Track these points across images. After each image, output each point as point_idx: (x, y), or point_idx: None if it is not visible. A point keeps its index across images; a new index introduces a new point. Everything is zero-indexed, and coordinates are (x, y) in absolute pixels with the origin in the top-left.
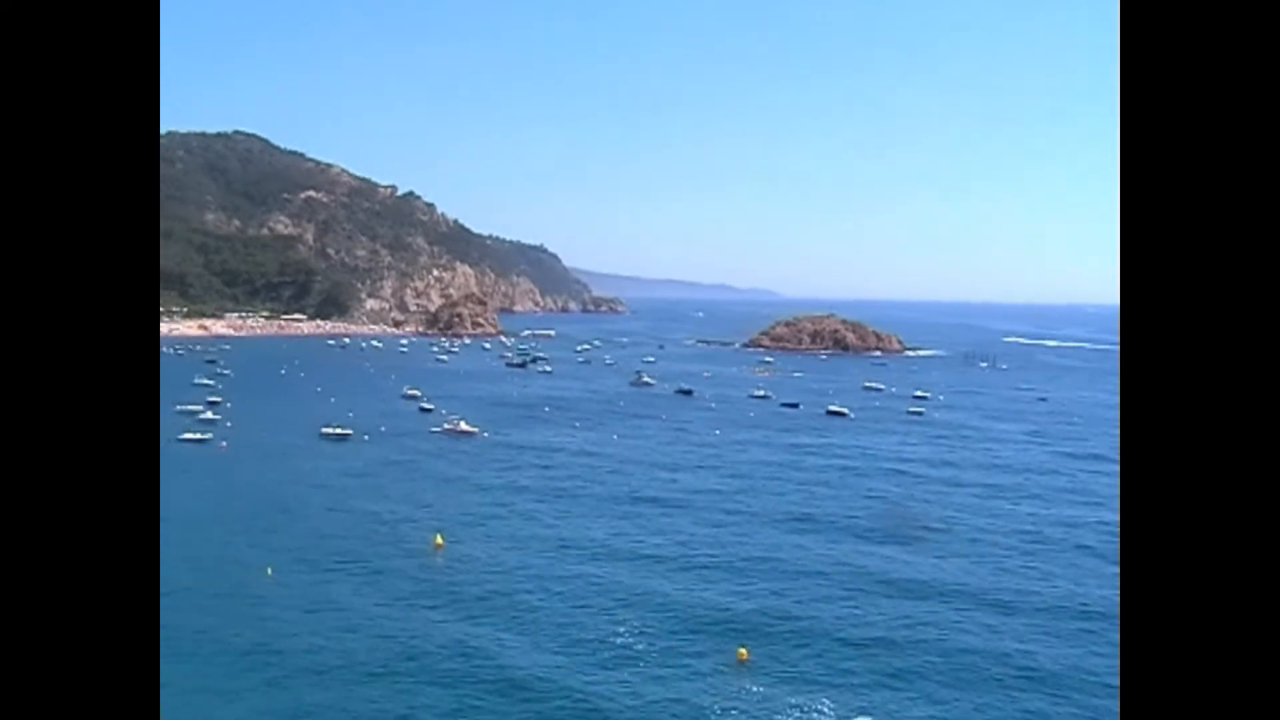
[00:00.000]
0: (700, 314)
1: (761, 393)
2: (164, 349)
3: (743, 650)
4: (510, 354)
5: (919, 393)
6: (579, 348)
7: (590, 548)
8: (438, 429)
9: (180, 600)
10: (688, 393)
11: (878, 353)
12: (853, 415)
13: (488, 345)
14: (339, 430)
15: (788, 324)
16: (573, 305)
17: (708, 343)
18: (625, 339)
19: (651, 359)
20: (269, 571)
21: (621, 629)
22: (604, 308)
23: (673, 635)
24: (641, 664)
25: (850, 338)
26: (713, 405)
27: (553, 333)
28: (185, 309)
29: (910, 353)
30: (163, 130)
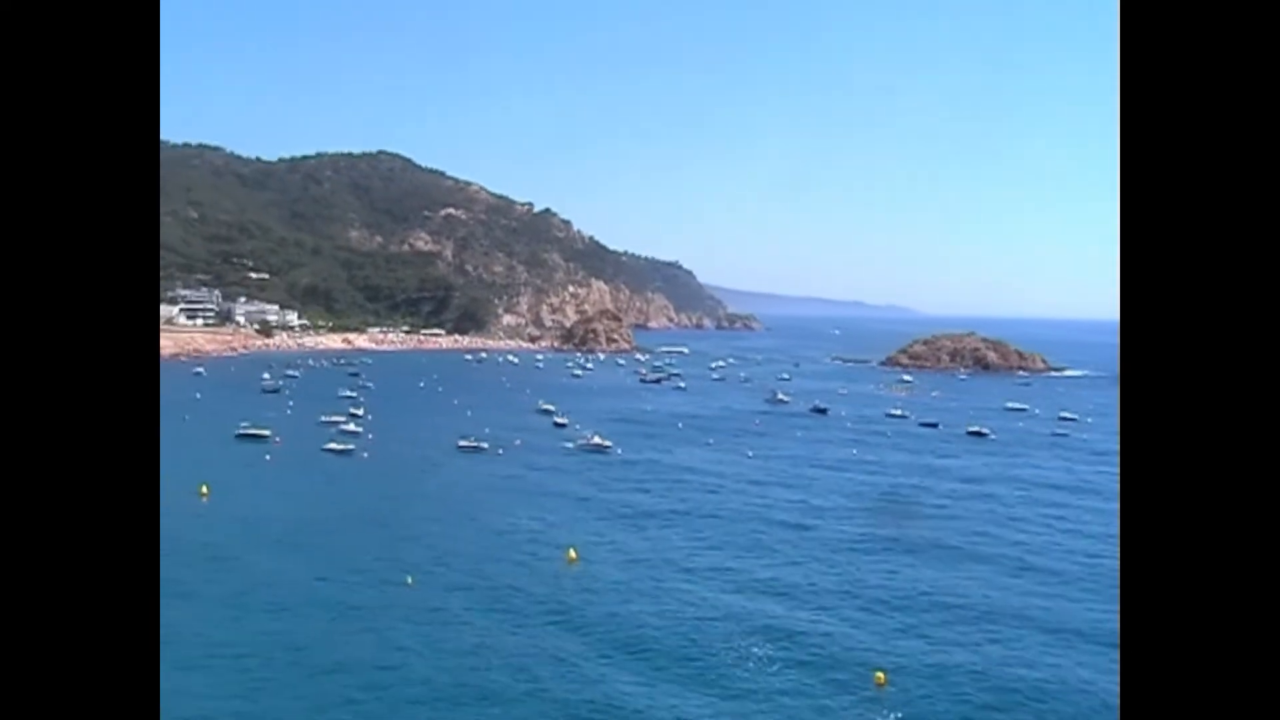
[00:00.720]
0: (836, 331)
1: (899, 412)
2: (310, 362)
3: (880, 674)
4: (644, 370)
5: (1065, 414)
6: (713, 364)
7: (720, 567)
8: (571, 444)
9: (321, 607)
10: (823, 411)
11: (1021, 372)
12: (994, 436)
13: (622, 361)
14: (475, 444)
15: (926, 342)
16: (707, 322)
17: (844, 360)
18: (760, 356)
19: (786, 376)
20: (409, 580)
21: (755, 651)
22: (738, 324)
23: (804, 663)
24: (772, 691)
25: (991, 356)
26: (848, 424)
27: (687, 349)
28: (330, 323)
29: (1056, 373)
30: (311, 152)
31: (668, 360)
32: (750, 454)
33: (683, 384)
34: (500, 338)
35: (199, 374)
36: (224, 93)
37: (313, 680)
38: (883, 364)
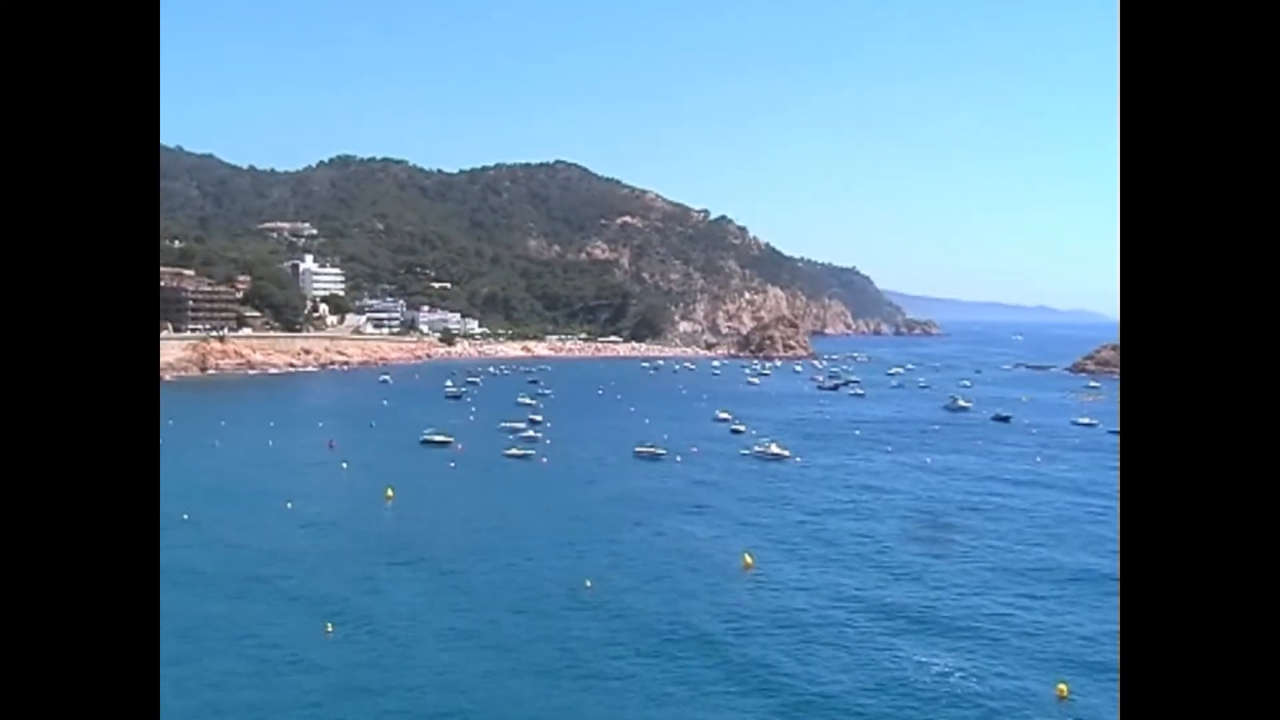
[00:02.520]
0: (1019, 337)
1: (1086, 420)
2: (491, 369)
3: (1063, 686)
4: (822, 377)
5: None
6: (891, 371)
7: (899, 576)
8: (748, 451)
9: (503, 609)
10: (1005, 419)
11: None
12: None
13: (799, 368)
14: (652, 450)
15: (1115, 348)
16: (885, 328)
17: (1027, 367)
18: (939, 362)
19: (967, 383)
20: (588, 584)
21: (938, 661)
22: (917, 330)
23: (984, 672)
24: (953, 699)
25: None
26: (1032, 431)
27: (864, 356)
28: (510, 331)
29: None
30: (491, 163)
31: (845, 367)
32: (929, 460)
33: (860, 390)
34: (676, 345)
35: (385, 381)
36: (407, 108)
37: (504, 678)
38: (1069, 370)
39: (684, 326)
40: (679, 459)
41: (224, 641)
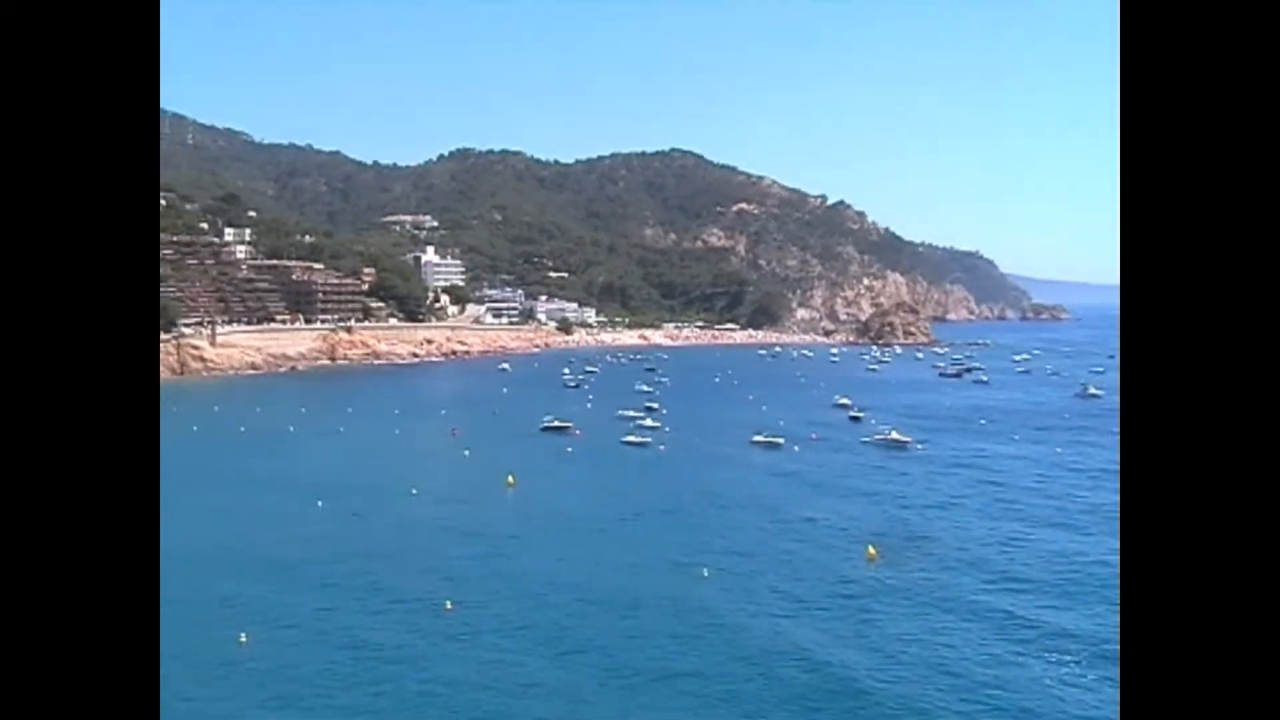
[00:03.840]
0: None
1: None
2: (608, 358)
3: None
4: (944, 363)
5: None
6: (1017, 357)
7: (1027, 569)
8: (868, 439)
9: (618, 593)
10: None
11: None
12: None
13: (920, 355)
14: (770, 438)
15: None
16: (1010, 313)
17: None
18: (1068, 348)
19: (1100, 369)
20: (704, 573)
21: (1069, 661)
22: (1044, 315)
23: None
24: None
25: None
26: None
27: (989, 342)
28: (626, 320)
29: None
30: (606, 152)
31: (968, 353)
32: (1059, 449)
33: (985, 378)
34: (794, 332)
35: (505, 370)
36: (524, 101)
37: (613, 675)
38: None
39: (801, 313)
40: (797, 447)
41: (359, 611)
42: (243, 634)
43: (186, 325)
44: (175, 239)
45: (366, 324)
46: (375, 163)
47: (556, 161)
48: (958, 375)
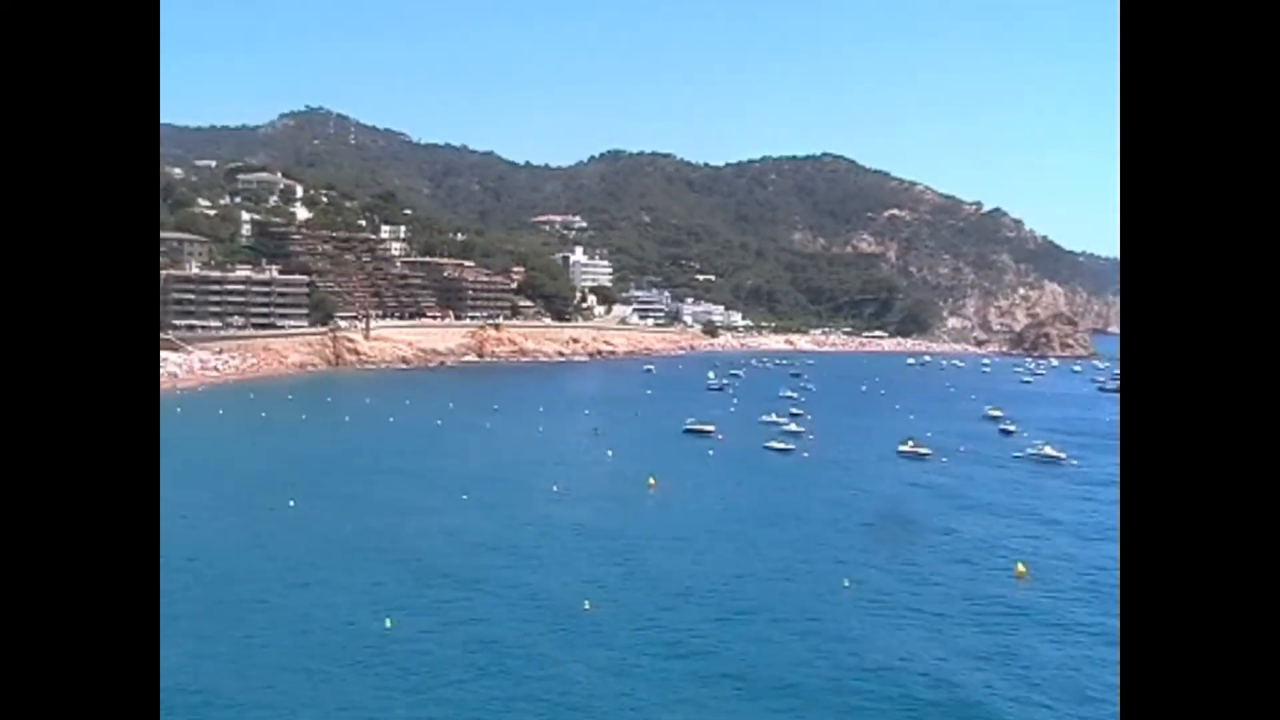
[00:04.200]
0: None
1: None
2: (753, 362)
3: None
4: (1104, 378)
5: None
6: None
7: None
8: (1020, 453)
9: (749, 600)
10: None
11: None
12: None
13: (1078, 368)
14: (917, 448)
15: None
16: None
17: None
18: None
19: None
20: (846, 583)
21: None
22: None
23: None
24: None
25: None
26: None
27: None
28: (773, 324)
29: None
30: (757, 156)
31: None
32: None
33: None
34: (944, 341)
35: (649, 371)
36: (675, 104)
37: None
38: None
39: (953, 322)
40: (945, 459)
41: (498, 604)
42: (389, 619)
43: (343, 319)
44: (335, 235)
45: (514, 322)
46: (527, 163)
47: (706, 164)
48: (1118, 390)
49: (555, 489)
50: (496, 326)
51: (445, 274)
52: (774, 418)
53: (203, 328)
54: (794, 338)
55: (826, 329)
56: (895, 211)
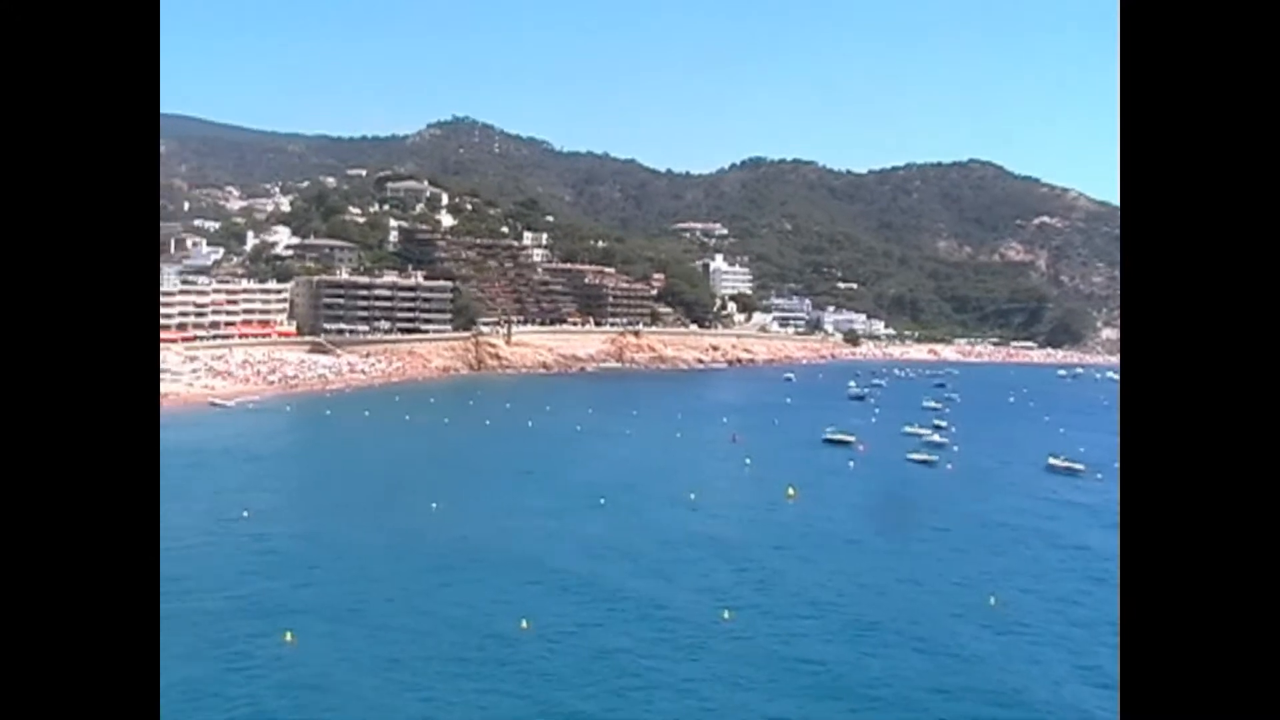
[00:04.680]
0: None
1: None
2: (896, 371)
3: None
4: None
5: None
6: None
7: None
8: None
9: (896, 616)
10: None
11: None
12: None
13: None
14: (1068, 464)
15: None
16: None
17: None
18: None
19: None
20: (992, 601)
21: None
22: None
23: None
24: None
25: None
26: None
27: None
28: (916, 333)
29: None
30: (901, 163)
31: None
32: None
33: None
34: (1098, 353)
35: (789, 380)
36: (817, 111)
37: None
38: None
39: (1107, 333)
40: (1099, 475)
41: (630, 613)
42: (524, 620)
43: (485, 324)
44: (478, 242)
45: (654, 328)
46: (668, 171)
47: (849, 171)
48: None
49: (692, 496)
50: (636, 333)
51: (586, 280)
52: (917, 429)
53: (350, 331)
54: (938, 347)
55: (972, 339)
56: (1045, 219)
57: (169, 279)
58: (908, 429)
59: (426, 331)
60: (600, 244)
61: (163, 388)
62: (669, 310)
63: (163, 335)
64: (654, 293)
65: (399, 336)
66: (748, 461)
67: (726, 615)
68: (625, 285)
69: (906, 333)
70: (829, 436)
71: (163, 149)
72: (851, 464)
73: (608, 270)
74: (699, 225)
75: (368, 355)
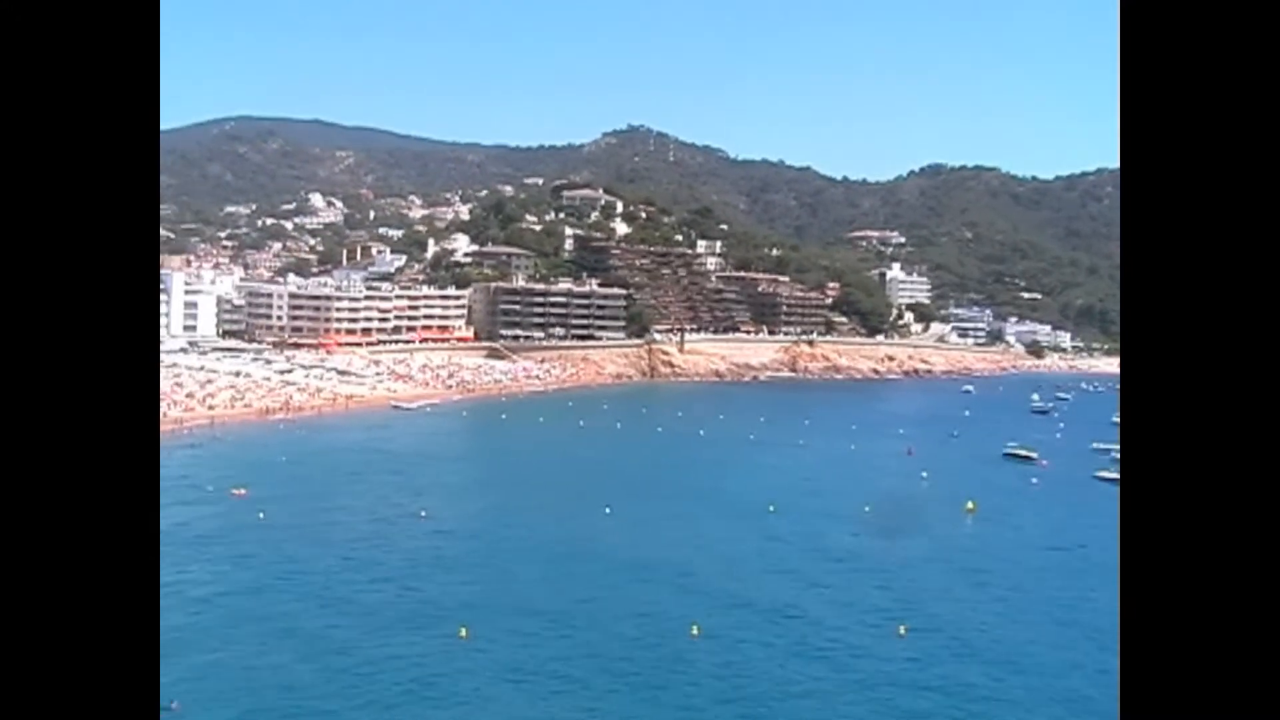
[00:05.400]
0: None
1: None
2: (1083, 385)
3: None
4: None
5: None
6: None
7: None
8: None
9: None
10: None
11: None
12: None
13: None
14: None
15: None
16: None
17: None
18: None
19: None
20: None
21: None
22: None
23: None
24: None
25: None
26: None
27: None
28: (1106, 345)
29: None
30: (1091, 168)
31: None
32: None
33: None
34: None
35: (968, 392)
36: (1001, 115)
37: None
38: None
39: None
40: None
41: (801, 625)
42: (695, 625)
43: (658, 331)
44: (652, 250)
45: (828, 338)
46: (844, 178)
47: (1034, 178)
48: None
49: (866, 509)
50: (810, 342)
51: (760, 289)
52: (1107, 445)
53: (526, 337)
54: None
55: None
56: None
57: (355, 285)
58: (1097, 445)
59: (600, 338)
60: (774, 252)
61: (348, 390)
62: (844, 320)
63: (348, 339)
64: (829, 302)
65: (573, 343)
66: (924, 475)
67: (903, 630)
68: (799, 294)
69: (1094, 345)
70: (1010, 451)
71: (350, 160)
72: (1035, 481)
73: (782, 279)
74: (875, 233)
75: (542, 361)
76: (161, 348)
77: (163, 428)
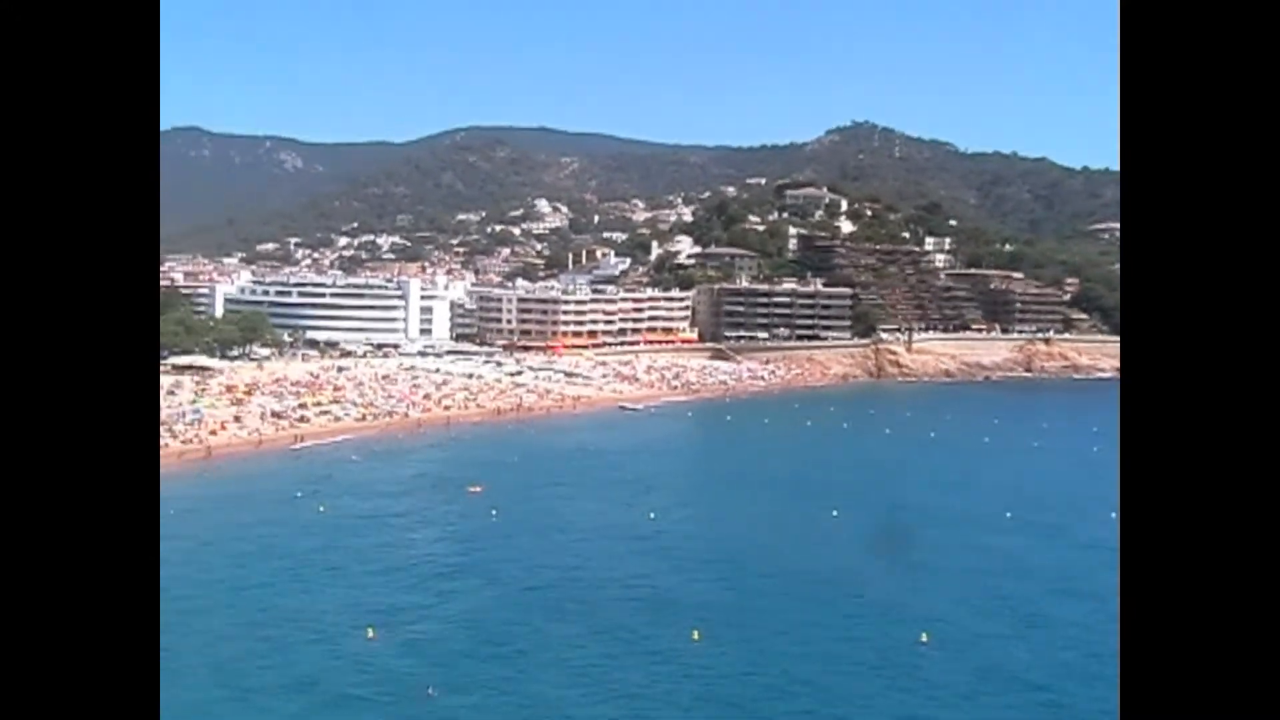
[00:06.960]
0: None
1: None
2: None
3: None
4: None
5: None
6: None
7: None
8: None
9: None
10: None
11: None
12: None
13: None
14: None
15: None
16: None
17: None
18: None
19: None
20: None
21: None
22: None
23: None
24: None
25: None
26: None
27: None
28: None
29: None
30: None
31: None
32: None
33: None
34: None
35: None
36: None
37: None
38: None
39: None
40: None
41: (1046, 636)
42: (924, 633)
43: (885, 331)
44: (878, 248)
45: (1066, 336)
46: (1084, 168)
47: None
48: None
49: (1114, 516)
50: (1046, 340)
51: (991, 286)
52: None
53: (750, 338)
54: None
55: None
56: None
57: (581, 288)
58: None
59: (825, 338)
60: (1007, 247)
61: (575, 391)
62: (1084, 317)
63: (574, 341)
64: (1066, 298)
65: (798, 343)
66: None
67: None
68: (1034, 290)
69: None
70: None
71: (575, 166)
72: None
73: (1015, 275)
74: (1118, 225)
75: (767, 362)
76: (398, 351)
77: (403, 427)
